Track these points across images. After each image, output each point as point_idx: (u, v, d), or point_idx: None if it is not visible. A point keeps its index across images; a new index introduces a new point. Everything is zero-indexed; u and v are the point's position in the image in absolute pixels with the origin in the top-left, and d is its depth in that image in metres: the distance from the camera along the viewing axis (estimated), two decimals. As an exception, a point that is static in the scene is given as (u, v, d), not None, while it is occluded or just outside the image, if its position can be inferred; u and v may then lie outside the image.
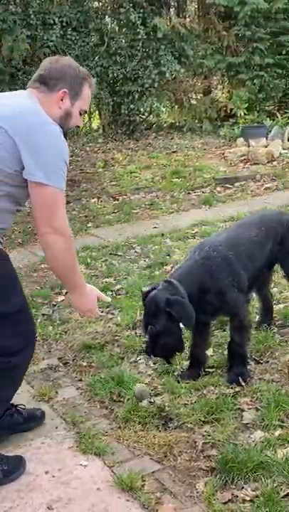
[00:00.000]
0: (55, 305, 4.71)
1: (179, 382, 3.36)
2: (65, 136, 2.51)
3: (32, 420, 3.03)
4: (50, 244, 2.45)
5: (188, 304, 3.10)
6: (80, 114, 2.65)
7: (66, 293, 4.90)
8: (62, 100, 2.54)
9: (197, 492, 2.50)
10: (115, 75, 11.92)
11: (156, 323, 3.10)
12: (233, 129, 11.96)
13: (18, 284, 2.68)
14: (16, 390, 2.81)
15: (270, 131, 10.89)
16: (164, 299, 3.07)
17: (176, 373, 3.48)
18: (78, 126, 2.65)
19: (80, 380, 3.54)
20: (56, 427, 3.05)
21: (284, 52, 12.59)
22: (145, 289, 3.55)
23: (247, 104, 12.36)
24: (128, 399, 3.21)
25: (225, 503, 2.41)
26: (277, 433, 2.81)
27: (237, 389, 3.21)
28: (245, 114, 12.32)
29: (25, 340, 2.66)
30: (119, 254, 5.95)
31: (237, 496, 2.44)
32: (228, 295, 3.29)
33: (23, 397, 3.28)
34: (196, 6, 14.34)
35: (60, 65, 2.59)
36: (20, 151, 2.36)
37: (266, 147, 10.17)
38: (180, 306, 3.08)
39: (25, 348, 2.66)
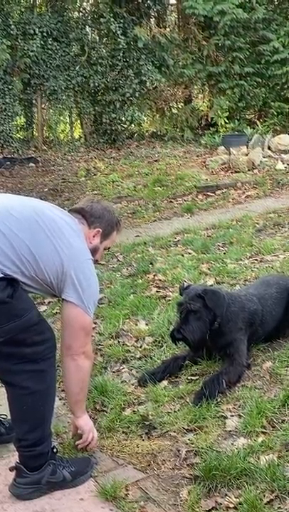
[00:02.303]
0: (37, 315, 4.68)
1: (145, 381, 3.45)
2: None
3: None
4: (81, 367, 2.66)
5: (222, 296, 3.53)
6: (104, 250, 2.96)
7: (49, 302, 4.89)
8: (94, 237, 2.83)
9: (181, 500, 2.50)
10: (96, 84, 11.97)
11: (192, 303, 3.44)
12: (214, 138, 12.06)
13: None
14: None
15: (251, 139, 11.00)
16: (202, 288, 3.58)
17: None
18: (97, 260, 2.93)
19: (63, 390, 3.52)
20: (39, 438, 3.03)
21: (263, 61, 12.74)
22: (185, 283, 4.01)
23: (227, 113, 12.48)
24: (111, 408, 3.21)
25: (209, 510, 2.42)
26: (260, 440, 2.82)
27: (220, 396, 3.22)
28: (225, 122, 12.43)
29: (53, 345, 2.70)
30: (102, 263, 5.94)
31: (220, 504, 2.45)
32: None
33: (5, 407, 3.25)
34: (176, 16, 14.46)
35: (101, 207, 2.89)
36: (66, 278, 2.58)
37: (247, 155, 10.26)
38: (214, 296, 3.50)
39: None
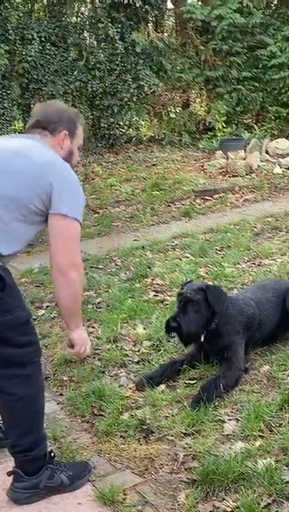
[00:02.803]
0: (35, 319, 4.69)
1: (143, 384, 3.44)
2: None
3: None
4: (72, 280, 2.54)
5: (224, 294, 3.59)
6: (78, 150, 2.83)
7: (47, 306, 4.89)
8: (63, 141, 2.71)
9: (178, 504, 2.50)
10: (94, 89, 11.97)
11: (193, 294, 3.46)
12: (212, 142, 12.08)
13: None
14: None
15: (249, 143, 11.03)
16: (204, 284, 3.71)
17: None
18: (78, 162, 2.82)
19: (61, 394, 3.53)
20: (37, 442, 3.03)
21: (261, 65, 12.75)
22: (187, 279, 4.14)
23: (225, 117, 12.49)
24: (109, 412, 3.21)
25: (206, 514, 2.42)
26: (257, 443, 2.82)
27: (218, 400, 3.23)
28: (223, 127, 12.45)
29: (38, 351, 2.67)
30: (100, 267, 5.96)
31: (218, 508, 2.45)
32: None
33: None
34: (174, 21, 14.48)
35: (54, 110, 2.77)
36: (52, 189, 2.47)
37: (244, 159, 10.28)
38: (216, 292, 3.55)
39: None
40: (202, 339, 3.55)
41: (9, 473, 2.62)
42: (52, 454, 2.66)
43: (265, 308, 3.81)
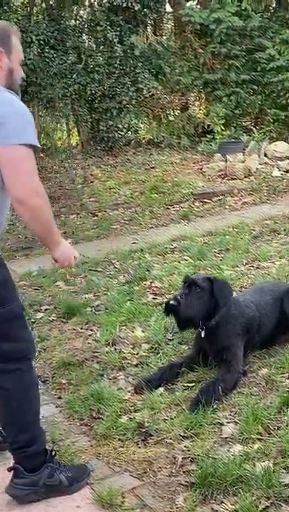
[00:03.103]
0: (34, 322, 4.69)
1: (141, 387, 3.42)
2: (17, 93, 2.52)
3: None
4: (38, 207, 2.39)
5: (230, 289, 3.60)
6: (20, 65, 2.64)
7: (46, 309, 4.89)
8: (1, 60, 2.53)
9: (177, 507, 2.50)
10: (93, 92, 11.99)
11: (200, 280, 3.45)
12: (211, 145, 12.09)
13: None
14: None
15: (247, 146, 11.04)
16: (212, 277, 3.67)
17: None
18: (23, 78, 2.65)
19: (60, 397, 3.53)
20: (35, 446, 3.03)
21: (259, 68, 12.77)
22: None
23: (224, 120, 12.51)
24: (108, 415, 3.21)
25: (204, 517, 2.42)
26: (256, 446, 2.83)
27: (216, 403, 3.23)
28: (222, 129, 12.46)
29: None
30: (99, 270, 5.96)
31: (217, 511, 2.45)
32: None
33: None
34: (173, 24, 14.50)
35: None
36: None
37: (243, 162, 10.29)
38: (223, 285, 3.56)
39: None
40: (202, 335, 3.54)
41: (9, 469, 2.62)
42: (53, 453, 2.66)
43: (264, 310, 3.81)
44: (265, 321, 3.80)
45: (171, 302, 3.40)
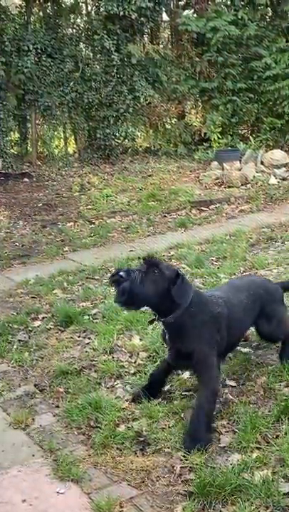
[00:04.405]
0: (31, 331, 4.68)
1: (134, 400, 3.39)
2: None
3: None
4: None
5: (191, 287, 3.21)
6: None
7: (43, 318, 4.88)
8: None
9: (175, 517, 2.49)
10: (90, 100, 12.04)
11: (162, 265, 3.09)
12: (208, 153, 12.14)
13: None
14: None
15: (244, 154, 11.08)
16: (178, 269, 3.19)
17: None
18: None
19: (57, 406, 3.51)
20: (33, 455, 3.02)
21: (255, 77, 12.84)
22: None
23: (220, 129, 12.56)
24: (106, 424, 3.19)
25: (203, 527, 2.41)
26: (254, 455, 2.82)
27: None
28: (218, 138, 12.51)
29: None
30: (96, 278, 5.96)
31: (215, 520, 2.44)
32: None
33: (-1, 424, 3.25)
34: (169, 33, 14.58)
35: None
36: None
37: (240, 170, 10.33)
38: (185, 284, 3.13)
39: None
40: (165, 336, 3.26)
41: None
42: None
43: (236, 308, 3.42)
44: (237, 320, 3.42)
45: (120, 273, 3.01)
